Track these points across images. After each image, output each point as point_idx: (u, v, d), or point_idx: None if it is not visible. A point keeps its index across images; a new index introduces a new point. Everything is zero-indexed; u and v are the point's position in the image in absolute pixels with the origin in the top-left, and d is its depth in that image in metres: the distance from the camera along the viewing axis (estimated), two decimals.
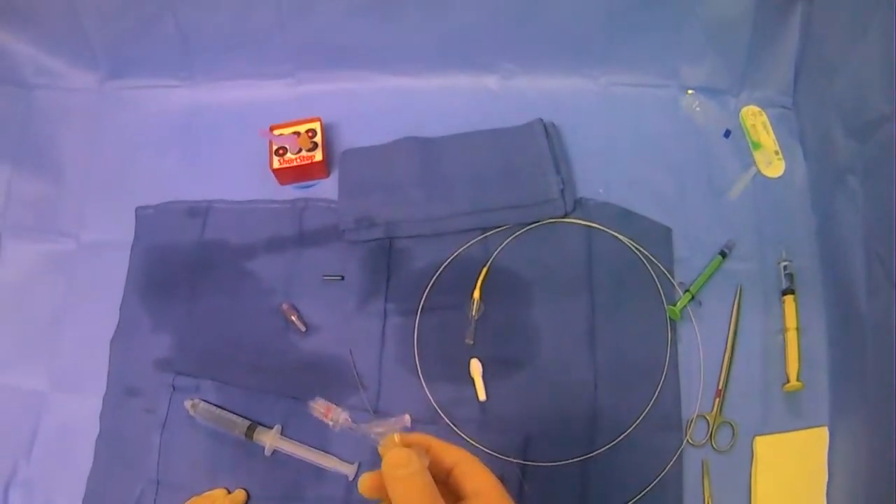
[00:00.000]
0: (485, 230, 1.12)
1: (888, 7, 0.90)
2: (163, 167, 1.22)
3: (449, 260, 1.11)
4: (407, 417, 0.99)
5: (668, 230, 1.12)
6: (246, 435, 1.01)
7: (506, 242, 1.11)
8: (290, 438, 1.01)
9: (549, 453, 1.00)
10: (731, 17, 1.13)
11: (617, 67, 1.22)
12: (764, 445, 1.01)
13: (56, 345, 1.11)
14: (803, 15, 1.11)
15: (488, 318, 1.07)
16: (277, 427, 1.01)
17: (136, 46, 1.23)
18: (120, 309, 1.12)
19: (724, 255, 1.09)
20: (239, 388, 1.05)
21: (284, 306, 1.08)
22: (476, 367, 1.04)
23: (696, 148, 1.19)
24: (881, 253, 0.92)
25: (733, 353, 1.05)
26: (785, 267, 1.09)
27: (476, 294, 1.08)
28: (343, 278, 1.11)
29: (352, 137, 1.21)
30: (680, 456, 1.00)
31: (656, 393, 1.02)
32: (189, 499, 0.98)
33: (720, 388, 1.03)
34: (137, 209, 1.18)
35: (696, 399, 1.03)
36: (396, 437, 0.60)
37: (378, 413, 1.03)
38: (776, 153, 1.17)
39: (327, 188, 1.17)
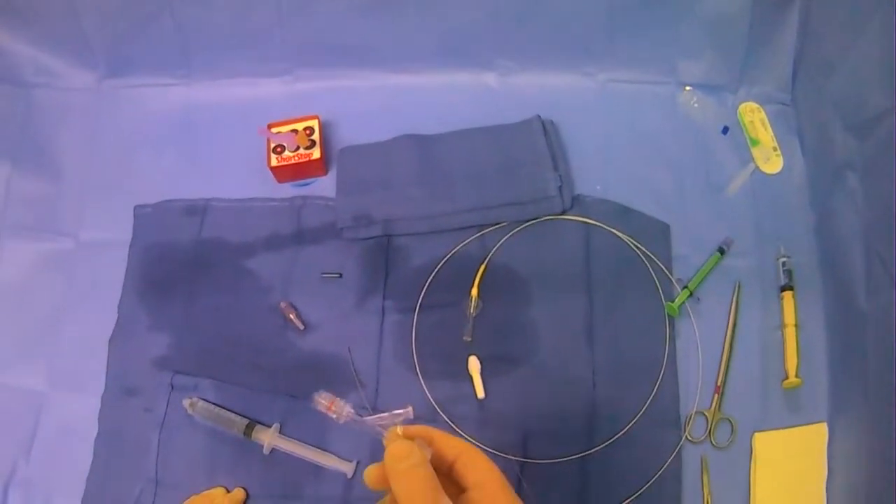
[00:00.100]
0: (483, 227, 1.12)
1: (887, 3, 0.90)
2: (161, 165, 1.22)
3: (447, 257, 1.11)
4: (410, 409, 0.99)
5: (667, 227, 1.12)
6: (244, 433, 1.00)
7: (504, 239, 1.11)
8: (289, 437, 1.01)
9: (547, 450, 1.00)
10: (729, 14, 1.13)
11: (615, 64, 1.22)
12: (763, 442, 1.01)
13: (55, 344, 1.11)
14: (801, 11, 1.10)
15: (486, 315, 1.07)
16: (276, 425, 1.01)
17: (135, 45, 1.23)
18: (118, 308, 1.12)
19: (722, 251, 1.09)
20: (237, 387, 1.05)
21: (283, 304, 1.08)
22: (474, 364, 1.04)
23: (694, 144, 1.19)
24: (880, 249, 0.92)
25: (732, 349, 1.05)
26: (783, 263, 1.09)
27: (474, 291, 1.08)
28: (341, 276, 1.11)
29: (350, 135, 1.21)
30: (679, 452, 1.00)
31: (655, 389, 1.02)
32: (188, 498, 0.98)
33: (719, 384, 1.03)
34: (136, 208, 1.18)
35: (694, 395, 1.03)
36: (399, 430, 0.61)
37: (377, 410, 1.03)
38: (774, 149, 1.17)
39: (325, 186, 1.17)
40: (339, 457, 1.00)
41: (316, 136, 1.16)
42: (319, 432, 1.02)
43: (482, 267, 1.09)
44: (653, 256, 1.09)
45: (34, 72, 1.26)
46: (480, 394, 1.03)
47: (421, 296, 1.09)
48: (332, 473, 1.00)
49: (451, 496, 0.57)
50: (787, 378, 1.03)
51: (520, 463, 0.99)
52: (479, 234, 1.12)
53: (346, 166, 1.17)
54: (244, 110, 1.23)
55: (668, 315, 1.06)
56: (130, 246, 1.16)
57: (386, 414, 0.63)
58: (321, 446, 1.01)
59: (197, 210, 1.17)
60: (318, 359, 1.07)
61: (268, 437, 1.00)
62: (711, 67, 1.20)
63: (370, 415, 0.63)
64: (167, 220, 1.17)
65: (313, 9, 1.17)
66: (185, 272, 1.13)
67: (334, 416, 0.76)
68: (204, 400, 1.03)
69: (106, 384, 1.08)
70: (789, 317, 1.06)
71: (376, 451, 0.99)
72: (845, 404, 1.00)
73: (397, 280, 1.10)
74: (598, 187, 1.15)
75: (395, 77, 1.25)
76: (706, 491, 0.99)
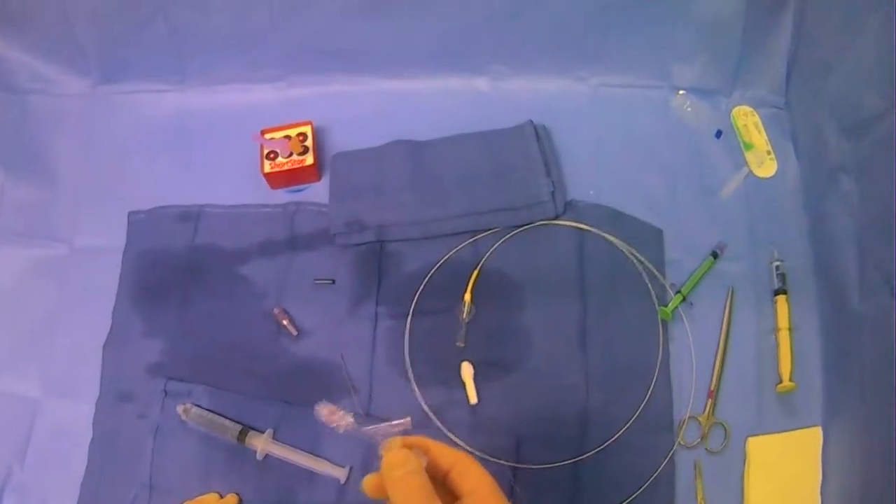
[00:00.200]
0: (475, 233, 1.12)
1: (881, 5, 0.90)
2: (155, 171, 1.22)
3: (440, 263, 1.11)
4: (409, 420, 1.00)
5: (660, 231, 1.12)
6: (238, 439, 1.01)
7: (497, 245, 1.11)
8: (282, 442, 1.01)
9: (540, 456, 1.00)
10: (723, 17, 1.13)
11: (607, 69, 1.22)
12: (757, 446, 1.01)
13: (49, 350, 1.11)
14: (795, 14, 1.10)
15: (479, 320, 1.07)
16: (269, 431, 1.01)
17: (128, 51, 1.23)
18: (112, 314, 1.12)
19: (715, 255, 1.09)
20: (231, 393, 1.05)
21: (276, 310, 1.09)
22: (467, 369, 1.04)
23: (688, 149, 1.19)
24: (875, 252, 0.92)
25: (725, 353, 1.05)
26: (777, 267, 1.09)
27: (467, 297, 1.08)
28: (334, 282, 1.11)
29: (343, 141, 1.21)
30: (672, 457, 1.00)
31: (648, 394, 1.02)
32: (181, 503, 0.98)
33: (712, 388, 1.03)
34: (129, 214, 1.18)
35: (688, 400, 1.03)
36: (397, 440, 0.62)
37: (370, 416, 1.03)
38: (768, 153, 1.17)
39: (319, 192, 1.18)
40: (332, 462, 1.00)
41: (309, 142, 1.16)
42: (313, 438, 1.02)
43: (475, 272, 1.09)
44: (646, 261, 1.09)
45: (28, 78, 1.26)
46: (473, 399, 1.03)
47: (414, 301, 1.09)
48: (326, 479, 1.00)
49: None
50: (781, 382, 1.03)
51: (513, 468, 0.99)
52: (471, 240, 1.12)
53: (339, 172, 1.17)
54: (238, 116, 1.23)
55: (662, 320, 1.06)
56: (124, 252, 1.16)
57: (384, 424, 0.64)
58: (314, 452, 1.01)
59: (191, 216, 1.17)
60: (311, 365, 1.07)
61: (261, 443, 1.00)
62: (705, 71, 1.20)
63: (364, 421, 0.64)
64: (161, 226, 1.17)
65: (306, 14, 1.17)
66: (179, 278, 1.13)
67: (335, 425, 0.77)
68: (197, 406, 1.03)
69: (100, 390, 1.08)
70: (783, 320, 1.06)
71: (369, 458, 1.00)
72: (840, 408, 1.00)
73: (390, 286, 1.10)
74: (591, 192, 1.15)
75: (387, 82, 1.25)
76: (700, 496, 0.99)
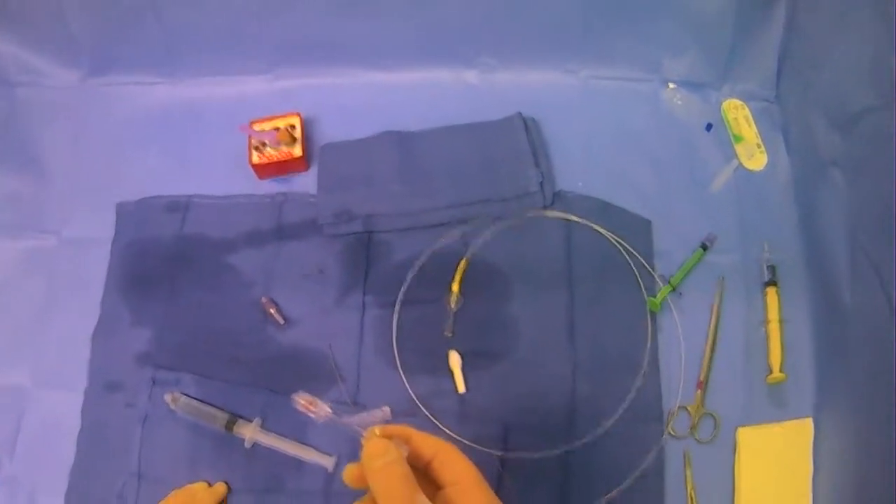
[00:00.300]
0: (464, 223, 1.12)
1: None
2: (144, 163, 1.22)
3: (428, 253, 1.11)
4: (388, 409, 1.00)
5: (648, 222, 1.12)
6: (226, 428, 1.01)
7: (485, 235, 1.11)
8: (270, 431, 1.01)
9: (529, 445, 0.99)
10: (713, 10, 1.13)
11: (597, 61, 1.22)
12: (747, 437, 1.01)
13: (38, 341, 1.11)
14: (787, 7, 1.10)
15: (467, 310, 1.07)
16: (257, 420, 1.01)
17: (118, 44, 1.23)
18: (101, 304, 1.12)
19: (705, 247, 1.09)
20: (219, 382, 1.05)
21: (264, 300, 1.09)
22: (455, 359, 1.04)
23: (678, 141, 1.19)
24: (865, 244, 0.92)
25: (715, 344, 1.05)
26: (767, 259, 1.08)
27: (455, 287, 1.07)
28: (322, 272, 1.11)
29: (331, 132, 1.21)
30: (662, 447, 1.00)
31: (636, 385, 1.02)
32: (170, 492, 0.98)
33: (702, 379, 1.03)
34: (118, 205, 1.18)
35: (677, 390, 1.03)
36: (377, 430, 0.62)
37: (357, 405, 1.03)
38: (758, 146, 1.17)
39: (307, 183, 1.18)
40: (319, 451, 1.00)
41: (297, 134, 1.16)
42: (300, 427, 1.01)
43: (463, 262, 1.09)
44: (634, 252, 1.09)
45: (18, 70, 1.26)
46: (461, 389, 1.03)
47: (402, 291, 1.08)
48: (314, 467, 1.00)
49: (428, 494, 0.57)
50: (771, 373, 1.03)
51: (501, 457, 0.99)
52: (460, 230, 1.12)
53: (328, 163, 1.17)
54: (227, 108, 1.24)
55: (650, 310, 1.06)
56: (113, 242, 1.16)
57: (364, 414, 0.64)
58: (302, 440, 1.01)
59: (179, 207, 1.17)
60: (298, 354, 1.07)
61: (249, 432, 1.00)
62: (695, 64, 1.20)
63: (351, 410, 0.64)
64: (149, 216, 1.17)
65: (295, 7, 1.17)
66: (167, 268, 1.13)
67: (313, 415, 0.77)
68: (185, 395, 1.03)
69: (88, 380, 1.08)
70: (773, 312, 1.06)
71: (357, 446, 0.96)
72: (831, 399, 1.00)
73: (378, 276, 1.10)
74: (580, 184, 1.15)
75: (376, 74, 1.25)
76: (689, 486, 0.99)
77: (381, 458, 0.58)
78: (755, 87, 1.21)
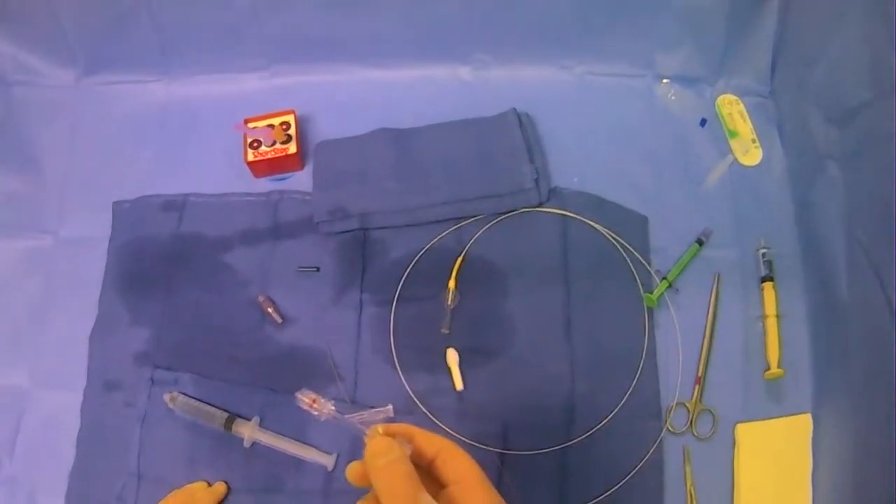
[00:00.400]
0: (460, 220, 1.12)
1: None
2: (140, 162, 1.22)
3: (424, 250, 1.11)
4: (390, 408, 1.00)
5: (644, 218, 1.12)
6: (225, 427, 1.01)
7: (480, 232, 1.11)
8: (269, 430, 1.01)
9: (527, 442, 1.00)
10: (707, 5, 1.14)
11: (591, 57, 1.23)
12: (746, 432, 1.01)
13: (36, 340, 1.11)
14: (780, 2, 1.10)
15: (464, 307, 1.07)
16: (256, 419, 1.01)
17: (113, 42, 1.23)
18: (98, 303, 1.12)
19: (700, 242, 1.09)
20: (217, 381, 1.05)
21: (261, 298, 1.09)
22: (452, 356, 1.04)
23: (672, 137, 1.19)
24: (862, 238, 0.92)
25: (712, 340, 1.05)
26: (763, 254, 1.09)
27: (451, 284, 1.08)
28: (318, 270, 1.11)
29: (326, 129, 1.21)
30: (660, 444, 1.00)
31: (634, 381, 1.02)
32: (170, 491, 0.98)
33: (699, 375, 1.03)
34: (114, 204, 1.18)
35: (674, 387, 1.03)
36: (380, 428, 0.62)
37: (356, 403, 1.03)
38: (753, 141, 1.17)
39: (302, 180, 1.18)
40: (319, 450, 1.00)
41: (292, 131, 1.16)
42: (299, 425, 1.02)
43: (459, 259, 1.09)
44: (631, 248, 1.09)
45: (13, 69, 1.26)
46: (459, 386, 1.03)
47: (398, 289, 1.09)
48: (313, 466, 1.00)
49: (431, 492, 0.57)
50: (769, 369, 1.03)
51: (500, 454, 0.99)
52: (455, 227, 1.12)
53: (323, 160, 1.17)
54: (221, 106, 1.24)
55: (647, 306, 1.06)
56: (109, 241, 1.16)
57: (366, 412, 0.64)
58: (301, 439, 1.01)
59: (175, 205, 1.17)
60: (296, 352, 1.07)
61: (248, 431, 1.00)
62: (689, 59, 1.20)
63: (350, 408, 0.64)
64: (146, 215, 1.17)
65: (289, 4, 1.17)
66: (164, 267, 1.13)
67: (316, 413, 0.77)
68: (184, 394, 1.03)
69: (87, 380, 1.08)
70: (770, 307, 1.06)
71: (356, 444, 0.99)
72: (830, 394, 1.00)
73: (374, 273, 1.10)
74: (576, 179, 1.15)
75: (370, 71, 1.25)
76: (689, 482, 0.99)
77: (384, 456, 0.58)
78: (750, 82, 1.21)
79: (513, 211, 1.12)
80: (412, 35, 1.21)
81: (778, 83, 1.19)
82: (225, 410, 1.02)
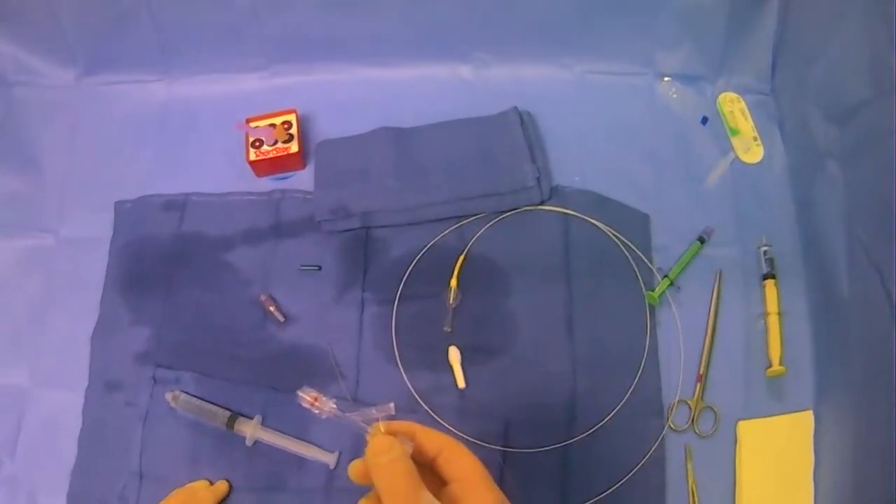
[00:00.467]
0: (461, 219, 1.12)
1: None
2: (141, 162, 1.22)
3: (425, 249, 1.11)
4: (392, 405, 0.99)
5: (646, 216, 1.12)
6: (227, 425, 1.01)
7: (482, 230, 1.11)
8: (271, 428, 1.01)
9: (529, 440, 1.00)
10: (708, 3, 1.14)
11: (592, 55, 1.23)
12: (748, 430, 1.01)
13: (38, 340, 1.11)
14: (781, 0, 1.10)
15: (466, 305, 1.07)
16: (258, 417, 1.01)
17: (113, 42, 1.23)
18: (100, 303, 1.12)
19: (702, 240, 1.10)
20: (219, 380, 1.05)
21: (263, 297, 1.09)
22: (454, 354, 1.04)
23: (674, 135, 1.19)
24: (863, 236, 0.93)
25: (714, 337, 1.05)
26: (765, 252, 1.09)
27: (453, 282, 1.08)
28: (320, 268, 1.11)
29: (327, 128, 1.21)
30: (662, 441, 1.00)
31: (636, 379, 1.02)
32: (172, 490, 0.98)
33: (701, 372, 1.03)
34: (116, 203, 1.18)
35: (676, 384, 1.03)
36: (381, 426, 0.61)
37: (357, 402, 1.03)
38: (755, 139, 1.17)
39: (304, 179, 1.18)
40: (321, 448, 1.00)
41: (294, 130, 1.16)
42: (301, 424, 1.02)
43: (461, 258, 1.09)
44: (632, 246, 1.09)
45: (14, 70, 1.26)
46: (461, 384, 1.03)
47: (400, 287, 1.09)
48: (315, 464, 1.00)
49: (433, 490, 0.57)
50: (770, 366, 1.03)
51: (502, 452, 0.99)
52: (457, 226, 1.12)
53: (324, 159, 1.17)
54: (223, 106, 1.24)
55: (649, 304, 1.06)
56: (111, 241, 1.16)
57: (367, 409, 0.63)
58: (303, 438, 1.01)
59: (176, 205, 1.17)
60: (298, 351, 1.07)
61: (250, 430, 1.00)
62: (690, 58, 1.20)
63: (351, 407, 0.63)
64: (147, 215, 1.17)
65: (289, 4, 1.17)
66: (166, 267, 1.13)
67: (317, 411, 0.77)
68: (186, 393, 1.03)
69: (89, 379, 1.08)
70: (772, 305, 1.06)
71: (358, 443, 0.98)
72: (831, 392, 1.00)
73: (376, 272, 1.10)
74: (577, 178, 1.15)
75: (371, 70, 1.25)
76: (691, 479, 0.99)
77: (385, 454, 0.58)
78: (750, 80, 1.21)
79: (514, 209, 1.12)
80: (412, 34, 1.21)
81: (779, 81, 1.19)
82: (227, 409, 1.02)
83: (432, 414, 1.02)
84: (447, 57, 1.24)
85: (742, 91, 1.21)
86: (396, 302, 1.08)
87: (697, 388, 1.03)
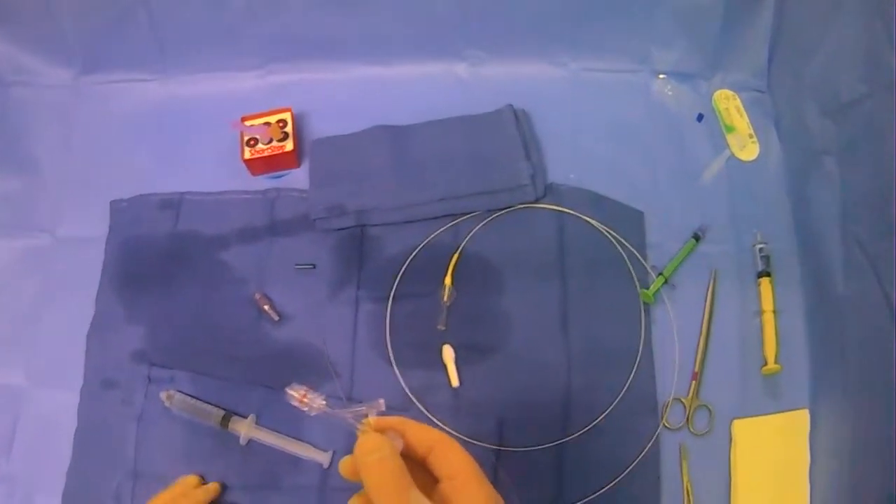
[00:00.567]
0: (456, 216, 1.12)
1: None
2: (137, 161, 1.22)
3: (420, 247, 1.11)
4: (381, 402, 0.99)
5: (640, 214, 1.12)
6: (221, 424, 1.01)
7: (477, 228, 1.11)
8: (265, 427, 1.02)
9: (523, 438, 1.00)
10: (703, 0, 1.13)
11: (587, 53, 1.22)
12: (742, 428, 1.01)
13: (33, 339, 1.11)
14: None
15: (460, 304, 1.07)
16: (252, 416, 1.02)
17: (110, 42, 1.23)
18: (95, 302, 1.12)
19: (697, 238, 1.09)
20: (213, 378, 1.05)
21: (257, 296, 1.09)
22: (448, 353, 1.04)
23: (669, 132, 1.19)
24: (859, 233, 0.92)
25: (709, 335, 1.05)
26: (760, 249, 1.09)
27: (448, 280, 1.08)
28: (315, 267, 1.11)
29: (322, 127, 1.21)
30: (657, 440, 1.00)
31: (631, 377, 1.02)
32: (165, 488, 0.98)
33: (696, 371, 1.03)
34: (111, 202, 1.18)
35: (671, 382, 1.03)
36: (371, 422, 0.60)
37: (352, 400, 1.03)
38: (750, 136, 1.17)
39: (299, 178, 1.18)
40: (315, 447, 1.00)
41: (289, 129, 1.16)
42: (295, 422, 1.02)
43: (455, 256, 1.09)
44: (627, 244, 1.09)
45: (10, 69, 1.26)
46: (455, 382, 1.03)
47: (395, 285, 1.09)
48: (309, 463, 1.00)
49: (426, 487, 0.56)
50: (766, 364, 1.03)
51: (495, 451, 0.99)
52: (452, 224, 1.12)
53: (319, 158, 1.17)
54: (218, 104, 1.23)
55: (644, 302, 1.06)
56: (107, 240, 1.16)
57: (356, 406, 0.63)
58: (297, 436, 1.01)
59: (172, 203, 1.17)
60: (293, 349, 1.07)
61: (244, 429, 1.00)
62: (685, 55, 1.20)
63: (343, 406, 0.63)
64: (143, 213, 1.17)
65: (285, 3, 1.17)
66: (161, 265, 1.13)
67: (306, 408, 0.77)
68: (181, 392, 1.04)
69: (84, 378, 1.08)
70: (767, 303, 1.06)
71: (352, 441, 0.96)
72: (827, 390, 1.00)
73: (371, 270, 1.10)
74: (572, 175, 1.15)
75: (366, 69, 1.25)
76: (685, 478, 0.99)
77: (373, 453, 0.57)
78: (746, 77, 1.21)
79: (509, 207, 1.12)
80: (408, 32, 1.21)
81: (774, 78, 1.19)
82: (221, 408, 1.02)
83: (426, 412, 1.02)
84: (442, 55, 1.24)
85: (738, 88, 1.21)
86: (391, 300, 1.08)
87: (692, 386, 1.03)
